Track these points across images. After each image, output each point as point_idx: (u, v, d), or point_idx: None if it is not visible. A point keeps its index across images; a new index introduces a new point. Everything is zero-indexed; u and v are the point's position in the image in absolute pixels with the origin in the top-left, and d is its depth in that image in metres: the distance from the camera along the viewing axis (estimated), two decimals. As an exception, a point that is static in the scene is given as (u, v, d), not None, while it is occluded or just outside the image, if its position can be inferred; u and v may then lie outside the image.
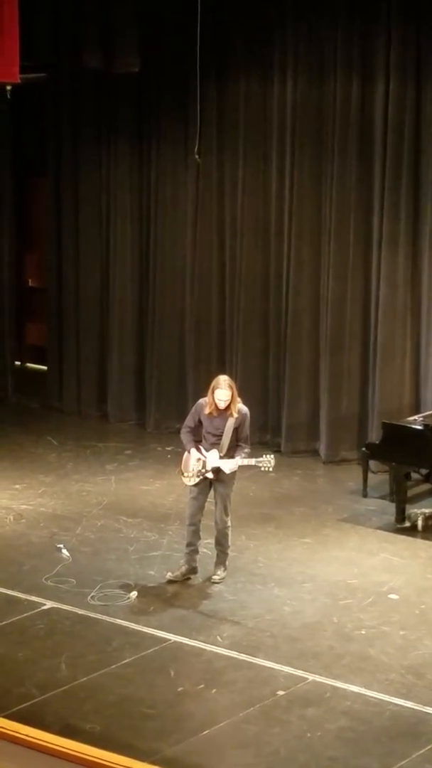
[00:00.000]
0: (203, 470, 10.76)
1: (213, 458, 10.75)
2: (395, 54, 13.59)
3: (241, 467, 10.83)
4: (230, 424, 10.74)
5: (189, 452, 10.85)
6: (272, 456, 10.86)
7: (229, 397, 10.70)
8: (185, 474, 10.90)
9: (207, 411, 10.78)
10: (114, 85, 15.33)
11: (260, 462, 10.75)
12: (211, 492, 10.95)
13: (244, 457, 10.74)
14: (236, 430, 10.77)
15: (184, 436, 10.95)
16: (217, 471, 10.79)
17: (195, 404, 11.05)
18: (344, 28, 13.81)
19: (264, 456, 10.80)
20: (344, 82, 13.92)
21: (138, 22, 14.15)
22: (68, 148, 16.00)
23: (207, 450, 10.78)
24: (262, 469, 10.81)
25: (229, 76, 14.70)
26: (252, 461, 10.76)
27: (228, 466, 10.72)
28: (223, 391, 10.70)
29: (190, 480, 10.87)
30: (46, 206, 16.52)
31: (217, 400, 10.71)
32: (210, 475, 10.80)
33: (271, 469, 10.86)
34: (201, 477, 10.81)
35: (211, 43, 14.16)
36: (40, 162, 16.71)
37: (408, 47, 13.54)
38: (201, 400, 10.92)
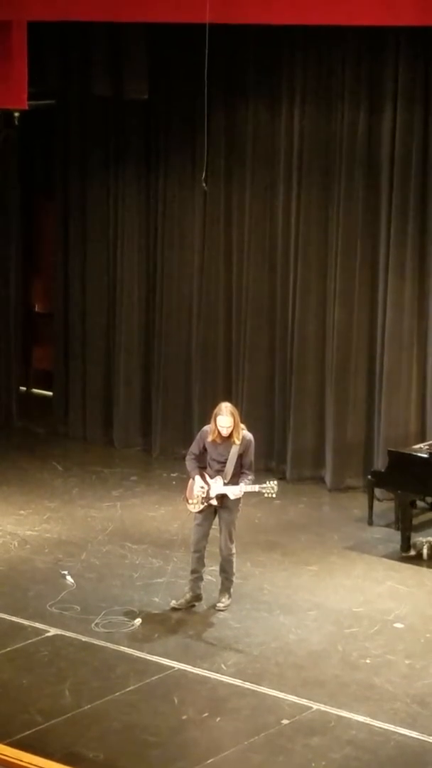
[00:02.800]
0: (208, 497, 10.75)
1: (217, 485, 10.75)
2: (403, 82, 13.63)
3: (245, 494, 10.82)
4: (234, 450, 10.74)
5: (193, 479, 10.84)
6: (275, 482, 10.86)
7: (232, 424, 10.69)
8: (190, 501, 10.90)
9: (210, 438, 10.78)
10: (122, 112, 15.38)
11: (263, 488, 10.76)
12: (216, 519, 10.94)
13: (248, 484, 10.73)
14: (240, 457, 10.77)
15: (189, 463, 10.95)
16: (221, 498, 10.78)
17: (200, 431, 11.06)
18: (352, 56, 13.85)
19: (267, 482, 10.81)
20: (352, 111, 13.94)
21: (147, 50, 14.23)
22: (76, 174, 16.02)
23: (211, 477, 10.78)
24: (265, 495, 10.83)
25: (237, 104, 14.73)
26: (255, 487, 10.76)
27: (232, 492, 10.72)
28: (224, 417, 10.69)
29: (195, 507, 10.87)
30: (53, 231, 16.55)
31: (219, 427, 10.71)
32: (214, 502, 10.80)
33: (274, 495, 10.87)
34: (205, 504, 10.80)
35: (220, 70, 14.17)
36: (47, 187, 16.75)
37: (416, 76, 13.58)
38: (205, 427, 10.92)
